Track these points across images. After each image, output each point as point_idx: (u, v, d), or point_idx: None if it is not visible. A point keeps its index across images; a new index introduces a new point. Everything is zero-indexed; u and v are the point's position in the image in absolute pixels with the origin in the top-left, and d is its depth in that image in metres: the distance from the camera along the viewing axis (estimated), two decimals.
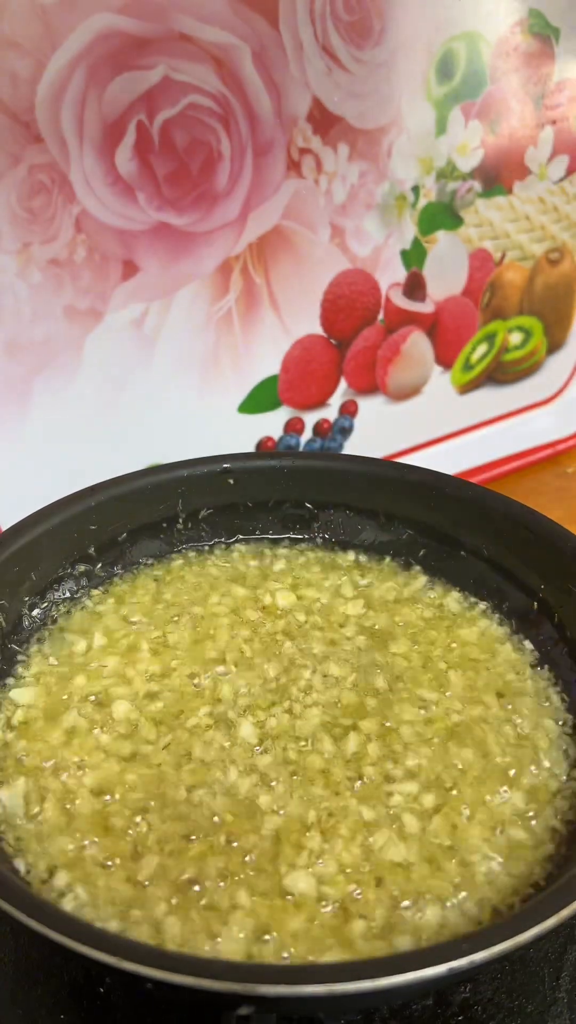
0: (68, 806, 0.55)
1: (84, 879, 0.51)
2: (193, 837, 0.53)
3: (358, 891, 0.50)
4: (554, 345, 1.18)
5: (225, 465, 0.78)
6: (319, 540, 0.81)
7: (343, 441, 1.07)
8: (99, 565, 0.74)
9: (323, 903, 0.50)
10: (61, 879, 0.51)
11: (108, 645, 0.67)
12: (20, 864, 0.52)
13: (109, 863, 0.52)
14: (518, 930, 0.42)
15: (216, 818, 0.54)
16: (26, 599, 0.68)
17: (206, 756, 0.58)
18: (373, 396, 1.06)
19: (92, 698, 0.62)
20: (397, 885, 0.51)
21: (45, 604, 0.70)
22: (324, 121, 0.88)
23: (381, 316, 1.01)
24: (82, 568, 0.73)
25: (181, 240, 0.87)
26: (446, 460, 1.13)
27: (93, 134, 0.78)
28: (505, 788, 0.57)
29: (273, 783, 0.56)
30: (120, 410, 0.92)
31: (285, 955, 0.47)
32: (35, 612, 0.69)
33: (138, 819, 0.54)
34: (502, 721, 0.62)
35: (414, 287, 1.01)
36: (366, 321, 1.00)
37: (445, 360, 1.10)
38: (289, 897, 0.50)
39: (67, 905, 0.49)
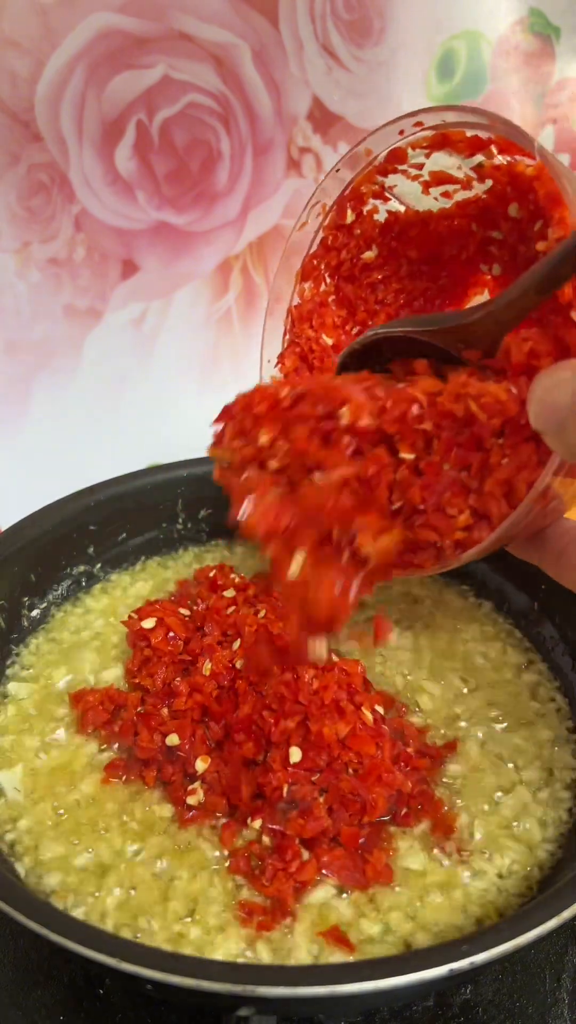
0: (64, 805, 0.55)
1: (80, 880, 0.51)
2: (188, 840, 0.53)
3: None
4: None
5: None
6: None
7: None
8: (98, 565, 0.74)
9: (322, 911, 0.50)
10: (58, 880, 0.51)
11: (108, 644, 0.67)
12: (20, 867, 0.52)
13: (105, 864, 0.52)
14: (518, 931, 0.42)
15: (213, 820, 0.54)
16: (25, 599, 0.68)
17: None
18: None
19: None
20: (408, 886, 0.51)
21: (44, 604, 0.70)
22: (324, 120, 0.88)
23: None
24: (81, 568, 0.73)
25: (181, 239, 0.87)
26: None
27: (92, 133, 0.78)
28: (507, 789, 0.57)
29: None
30: (120, 410, 0.92)
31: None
32: (34, 612, 0.69)
33: (128, 817, 0.54)
34: (503, 720, 0.62)
35: None
36: None
37: None
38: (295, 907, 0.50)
39: (64, 906, 0.49)
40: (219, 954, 0.47)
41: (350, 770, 0.54)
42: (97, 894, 0.50)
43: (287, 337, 0.62)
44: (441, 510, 0.45)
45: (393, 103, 0.90)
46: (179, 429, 0.95)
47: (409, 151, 0.55)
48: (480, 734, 0.60)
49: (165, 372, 0.92)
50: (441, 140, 0.53)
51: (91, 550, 0.73)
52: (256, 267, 0.92)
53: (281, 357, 0.61)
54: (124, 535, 0.75)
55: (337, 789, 0.53)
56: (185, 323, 0.91)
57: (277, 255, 0.92)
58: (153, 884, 0.51)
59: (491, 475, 0.44)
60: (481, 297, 0.61)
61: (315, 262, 0.60)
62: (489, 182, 0.53)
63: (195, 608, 0.66)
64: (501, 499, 0.44)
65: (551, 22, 0.94)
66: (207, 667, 0.58)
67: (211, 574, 0.69)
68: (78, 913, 0.49)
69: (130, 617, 0.64)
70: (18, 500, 0.72)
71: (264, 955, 0.47)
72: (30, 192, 0.78)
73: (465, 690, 0.64)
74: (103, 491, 0.73)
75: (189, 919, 0.49)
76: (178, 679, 0.59)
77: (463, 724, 0.61)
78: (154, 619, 0.63)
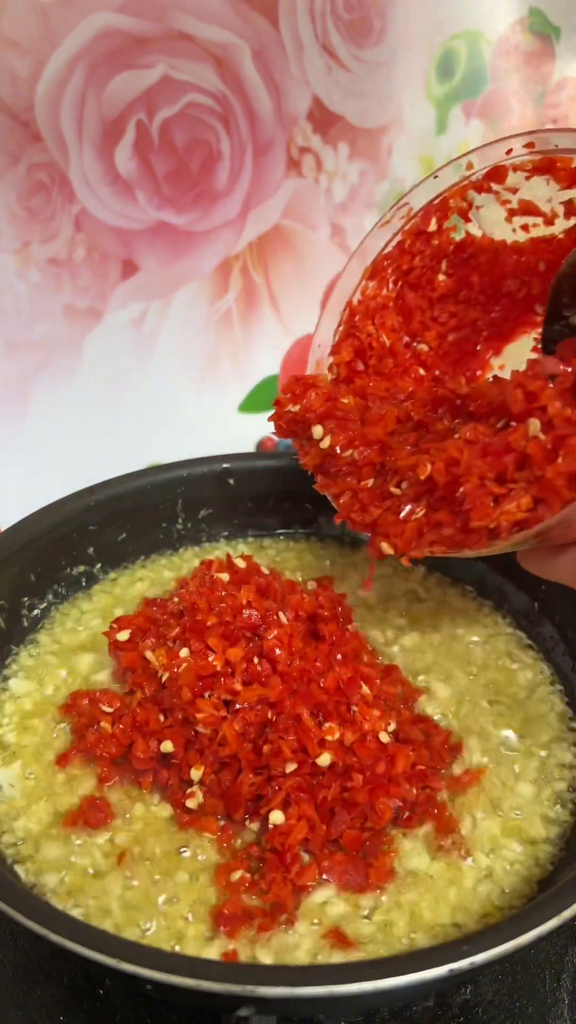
0: (63, 805, 0.55)
1: (79, 880, 0.51)
2: (185, 844, 0.53)
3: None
4: None
5: (225, 465, 0.78)
6: (320, 539, 0.80)
7: None
8: (98, 565, 0.74)
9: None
10: (58, 880, 0.51)
11: (106, 644, 0.67)
12: (19, 867, 0.52)
13: (105, 864, 0.52)
14: (518, 931, 0.42)
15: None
16: (25, 599, 0.68)
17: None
18: None
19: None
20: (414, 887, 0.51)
21: (44, 604, 0.70)
22: (324, 120, 0.88)
23: None
24: (81, 568, 0.73)
25: (181, 239, 0.87)
26: None
27: (92, 133, 0.78)
28: (508, 788, 0.57)
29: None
30: (120, 410, 0.92)
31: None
32: (34, 612, 0.69)
33: (127, 817, 0.54)
34: (504, 719, 0.62)
35: None
36: None
37: None
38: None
39: (64, 907, 0.49)
40: (219, 954, 0.47)
41: (355, 775, 0.53)
42: (96, 894, 0.50)
43: (340, 329, 0.61)
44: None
45: (393, 103, 0.90)
46: (179, 429, 0.95)
47: (510, 172, 0.54)
48: (482, 734, 0.60)
49: (165, 372, 0.92)
50: (547, 165, 0.52)
51: (91, 550, 0.73)
52: (256, 267, 0.92)
53: (337, 347, 0.61)
54: (124, 535, 0.75)
55: (340, 793, 0.52)
56: (185, 323, 0.91)
57: (277, 255, 0.92)
58: (153, 884, 0.51)
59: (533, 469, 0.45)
60: (528, 339, 0.61)
61: (386, 263, 0.60)
62: (572, 221, 0.52)
63: (184, 592, 0.65)
64: (563, 487, 0.45)
65: (551, 22, 0.94)
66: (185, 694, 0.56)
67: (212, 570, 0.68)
68: (78, 913, 0.49)
69: (111, 627, 0.64)
70: (18, 500, 0.72)
71: (264, 955, 0.47)
72: (30, 192, 0.78)
73: (466, 690, 0.64)
74: (103, 491, 0.73)
75: (189, 919, 0.49)
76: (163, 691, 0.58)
77: (465, 724, 0.61)
78: (128, 631, 0.63)
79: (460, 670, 0.66)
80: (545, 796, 0.57)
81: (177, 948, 0.47)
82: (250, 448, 1.01)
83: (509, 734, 0.61)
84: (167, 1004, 0.52)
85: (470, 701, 0.63)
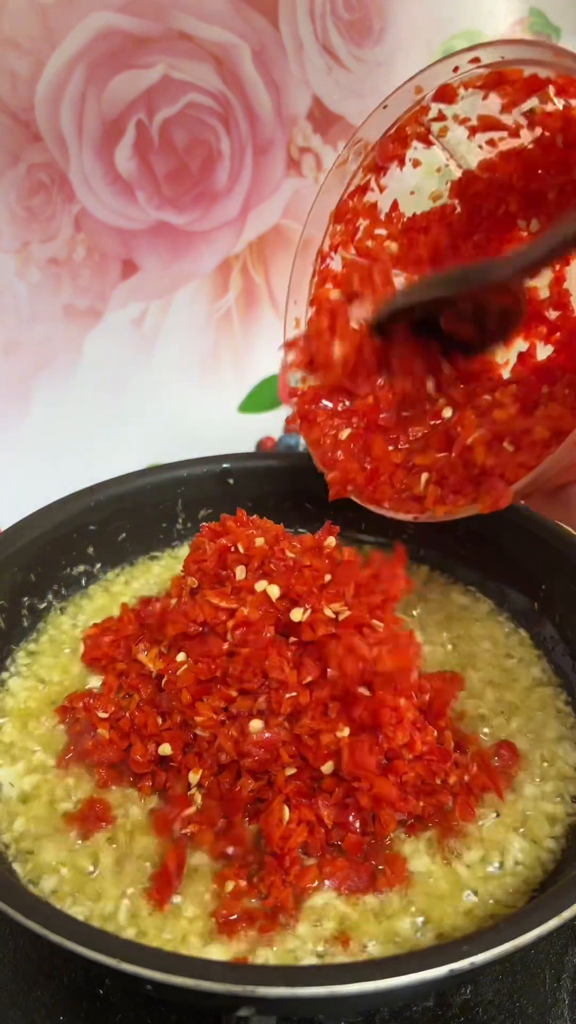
0: (63, 806, 0.55)
1: (79, 881, 0.51)
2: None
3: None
4: None
5: (225, 465, 0.78)
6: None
7: None
8: (98, 565, 0.74)
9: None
10: (57, 881, 0.51)
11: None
12: (18, 867, 0.52)
13: (105, 865, 0.52)
14: (519, 931, 0.42)
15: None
16: (25, 599, 0.68)
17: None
18: None
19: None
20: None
21: (44, 604, 0.70)
22: (324, 120, 0.88)
23: None
24: (81, 568, 0.72)
25: (181, 239, 0.87)
26: None
27: (92, 133, 0.78)
28: (511, 788, 0.57)
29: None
30: (120, 410, 0.92)
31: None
32: (34, 612, 0.69)
33: (126, 818, 0.54)
34: (506, 719, 0.62)
35: None
36: None
37: None
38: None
39: (64, 907, 0.49)
40: (219, 955, 0.47)
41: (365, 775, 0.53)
42: (95, 895, 0.50)
43: (315, 280, 0.59)
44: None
45: None
46: (179, 429, 0.95)
47: (460, 91, 0.52)
48: (484, 734, 0.60)
49: (165, 372, 0.92)
50: (496, 79, 0.49)
51: (91, 550, 0.73)
52: (256, 267, 0.92)
53: (319, 285, 0.60)
54: (124, 535, 0.75)
55: (341, 798, 0.52)
56: (185, 323, 0.91)
57: (277, 255, 0.92)
58: (152, 885, 0.51)
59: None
60: None
61: (351, 203, 0.58)
62: (538, 131, 0.50)
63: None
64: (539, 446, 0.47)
65: (551, 22, 0.94)
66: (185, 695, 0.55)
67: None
68: (77, 913, 0.49)
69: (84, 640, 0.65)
70: (18, 500, 0.72)
71: (265, 956, 0.47)
72: (30, 192, 0.78)
73: (467, 690, 0.64)
74: (103, 491, 0.73)
75: (188, 920, 0.49)
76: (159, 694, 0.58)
77: (467, 724, 0.61)
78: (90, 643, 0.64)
79: (460, 670, 0.66)
80: (547, 796, 0.57)
81: (177, 948, 0.47)
82: (250, 448, 1.01)
83: (510, 734, 0.61)
84: (167, 1004, 0.52)
85: (472, 701, 0.63)
